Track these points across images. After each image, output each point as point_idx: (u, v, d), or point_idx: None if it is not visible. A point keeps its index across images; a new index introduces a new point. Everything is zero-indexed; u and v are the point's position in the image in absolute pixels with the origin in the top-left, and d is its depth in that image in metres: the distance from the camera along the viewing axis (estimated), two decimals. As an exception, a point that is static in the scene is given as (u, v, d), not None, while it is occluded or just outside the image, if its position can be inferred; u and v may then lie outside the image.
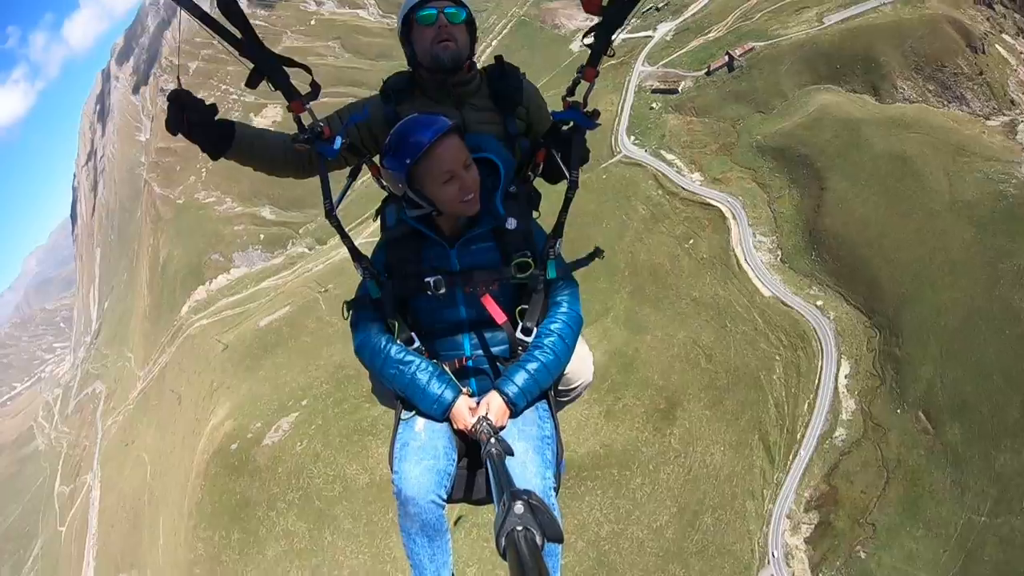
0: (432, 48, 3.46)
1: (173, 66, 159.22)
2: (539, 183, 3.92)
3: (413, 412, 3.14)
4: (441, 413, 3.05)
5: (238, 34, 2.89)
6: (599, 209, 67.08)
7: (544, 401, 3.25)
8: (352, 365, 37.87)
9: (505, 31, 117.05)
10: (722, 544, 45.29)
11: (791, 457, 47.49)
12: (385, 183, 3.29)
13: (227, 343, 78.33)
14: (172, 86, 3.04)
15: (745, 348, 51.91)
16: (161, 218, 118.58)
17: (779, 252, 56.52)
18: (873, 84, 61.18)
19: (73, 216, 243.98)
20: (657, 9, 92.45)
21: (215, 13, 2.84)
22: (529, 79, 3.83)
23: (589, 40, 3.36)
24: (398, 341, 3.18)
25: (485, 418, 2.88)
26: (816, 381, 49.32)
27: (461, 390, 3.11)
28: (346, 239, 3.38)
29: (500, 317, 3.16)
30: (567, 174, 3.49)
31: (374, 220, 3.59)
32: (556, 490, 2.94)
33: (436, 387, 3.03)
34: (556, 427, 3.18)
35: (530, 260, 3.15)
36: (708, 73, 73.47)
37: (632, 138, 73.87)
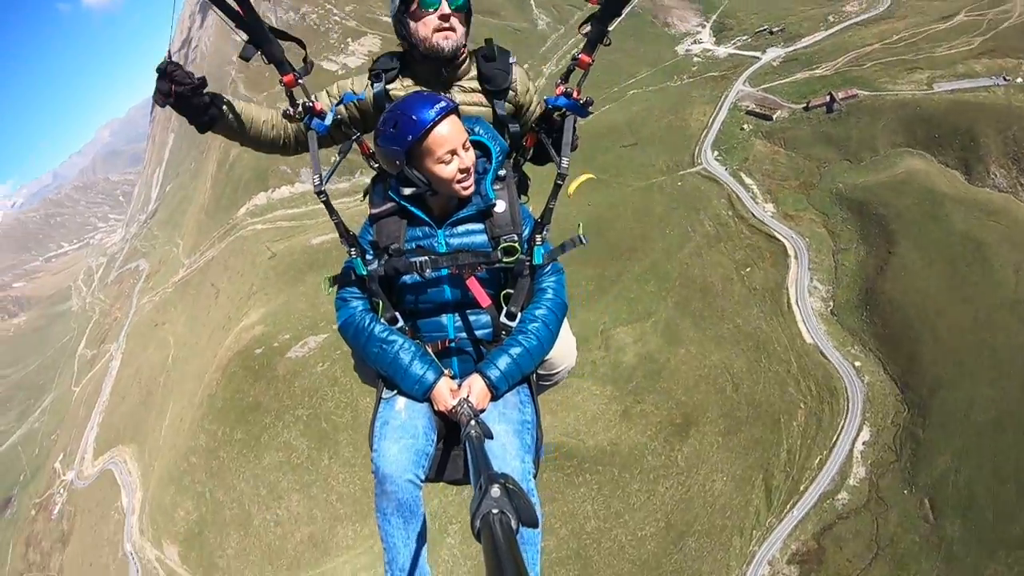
0: (433, 37, 3.45)
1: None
2: (529, 168, 4.02)
3: (395, 391, 3.17)
4: (422, 393, 3.07)
5: (236, 7, 2.94)
6: (667, 214, 66.69)
7: (526, 385, 3.30)
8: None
9: (620, 17, 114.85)
10: (698, 571, 45.42)
11: (789, 506, 47.15)
12: (378, 161, 3.31)
13: (275, 252, 79.23)
14: None
15: (773, 387, 51.49)
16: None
17: (831, 303, 55.70)
18: (967, 162, 59.15)
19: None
20: (771, 32, 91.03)
21: None
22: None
23: (586, 29, 3.42)
24: (382, 320, 3.22)
25: (466, 400, 2.91)
26: (834, 439, 48.81)
27: (443, 371, 3.14)
28: (334, 215, 3.33)
29: (484, 300, 3.21)
30: (556, 161, 3.47)
31: (363, 199, 3.55)
32: (535, 475, 2.99)
33: (418, 367, 3.06)
34: (537, 412, 3.24)
35: (517, 245, 3.18)
36: (806, 109, 72.05)
37: (716, 153, 72.99)
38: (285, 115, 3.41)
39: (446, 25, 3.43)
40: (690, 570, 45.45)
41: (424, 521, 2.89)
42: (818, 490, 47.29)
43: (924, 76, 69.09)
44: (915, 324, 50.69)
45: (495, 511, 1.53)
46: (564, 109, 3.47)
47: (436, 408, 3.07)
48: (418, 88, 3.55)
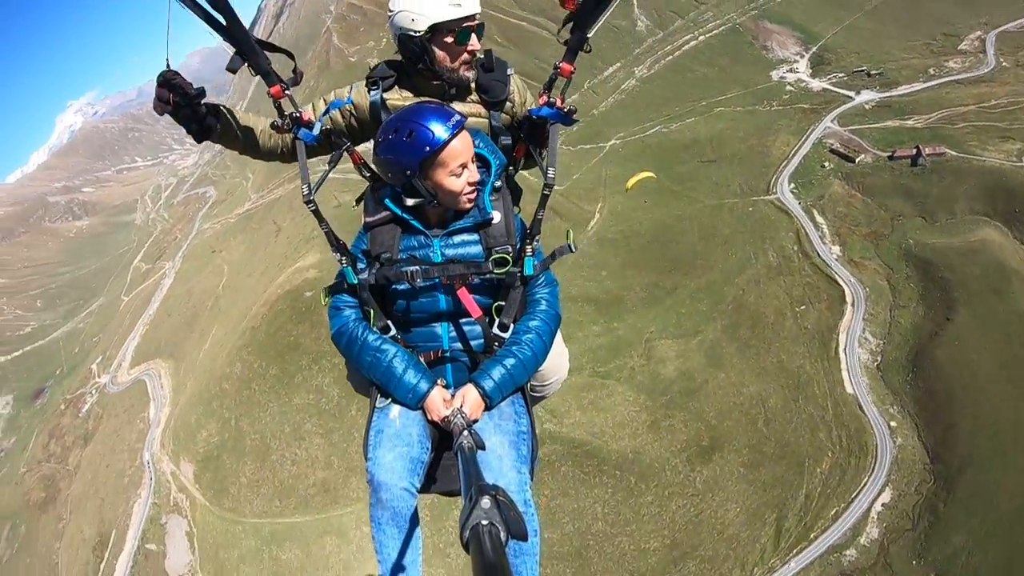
0: (460, 69, 3.51)
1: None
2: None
3: (389, 400, 3.17)
4: (415, 402, 3.08)
5: (223, 20, 2.94)
6: (732, 237, 66.20)
7: (520, 396, 3.30)
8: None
9: (716, 32, 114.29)
10: (694, 597, 45.29)
11: (796, 551, 46.37)
12: (371, 170, 3.31)
13: (342, 202, 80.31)
14: None
15: (804, 429, 50.73)
16: (328, 68, 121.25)
17: (879, 357, 54.47)
18: None
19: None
20: (868, 75, 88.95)
21: None
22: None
23: (566, 36, 3.40)
24: (375, 329, 3.22)
25: (460, 410, 2.91)
26: (854, 494, 47.79)
27: (436, 381, 3.14)
28: (323, 224, 3.31)
29: (475, 312, 3.23)
30: (543, 171, 3.40)
31: (355, 206, 3.54)
32: (530, 485, 2.97)
33: (412, 376, 3.07)
34: (532, 422, 3.23)
35: (509, 256, 3.19)
36: (891, 158, 70.32)
37: (792, 185, 72.01)
38: (273, 126, 3.43)
39: (471, 59, 3.54)
40: (686, 593, 45.38)
41: (419, 530, 2.94)
42: (828, 541, 46.37)
43: (1016, 147, 66.75)
44: (958, 396, 49.30)
45: (484, 522, 1.54)
46: (548, 119, 3.44)
47: (429, 418, 3.09)
48: (419, 100, 3.59)
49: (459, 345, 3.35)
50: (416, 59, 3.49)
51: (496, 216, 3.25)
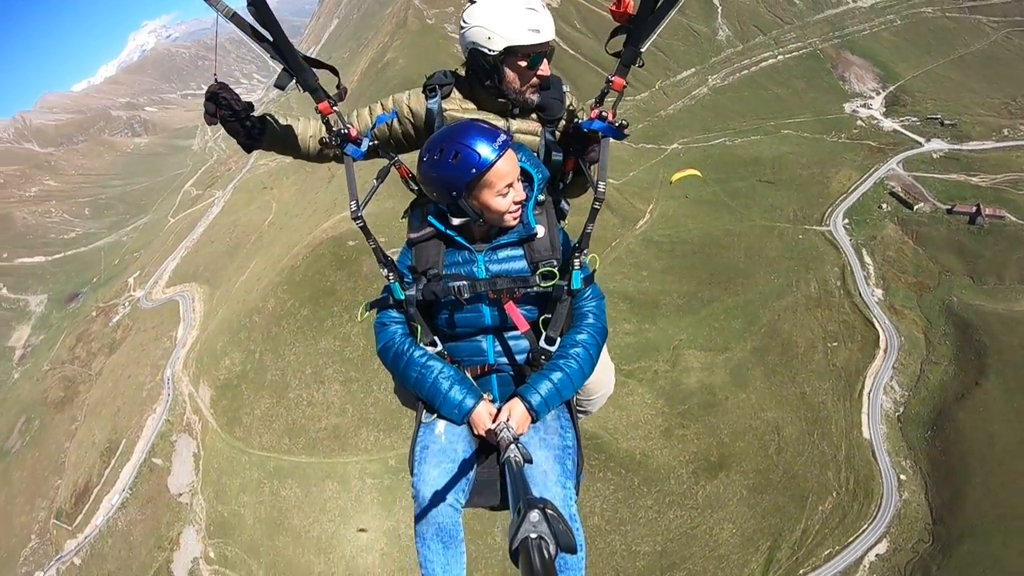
0: (526, 91, 3.55)
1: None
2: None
3: (434, 415, 3.17)
4: (461, 418, 3.08)
5: (270, 37, 3.05)
6: (777, 261, 65.88)
7: (566, 410, 3.30)
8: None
9: (796, 54, 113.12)
10: (674, 607, 45.48)
11: (780, 583, 46.67)
12: (423, 187, 3.19)
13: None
14: None
15: (814, 465, 50.44)
16: (405, 26, 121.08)
17: (902, 408, 53.87)
18: None
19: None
20: (942, 123, 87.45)
21: (246, 14, 3.00)
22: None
23: (615, 48, 3.40)
24: (421, 345, 3.22)
25: (506, 424, 2.86)
26: (851, 539, 47.41)
27: (482, 396, 3.14)
28: (371, 239, 3.30)
29: (523, 326, 3.22)
30: (593, 185, 3.37)
31: (403, 218, 3.57)
32: (575, 501, 2.97)
33: (458, 392, 3.06)
34: (577, 437, 3.23)
35: (555, 270, 3.17)
36: (950, 211, 69.25)
37: (846, 221, 71.24)
38: (321, 142, 3.48)
39: (539, 83, 3.57)
40: (666, 602, 45.57)
41: (463, 546, 2.90)
42: (814, 581, 46.50)
43: (1078, 221, 65.60)
44: (973, 463, 48.56)
45: (533, 536, 1.53)
46: (600, 133, 3.43)
47: (475, 432, 3.10)
48: (481, 114, 3.64)
49: (504, 359, 3.36)
50: (485, 76, 3.52)
51: (540, 231, 3.26)
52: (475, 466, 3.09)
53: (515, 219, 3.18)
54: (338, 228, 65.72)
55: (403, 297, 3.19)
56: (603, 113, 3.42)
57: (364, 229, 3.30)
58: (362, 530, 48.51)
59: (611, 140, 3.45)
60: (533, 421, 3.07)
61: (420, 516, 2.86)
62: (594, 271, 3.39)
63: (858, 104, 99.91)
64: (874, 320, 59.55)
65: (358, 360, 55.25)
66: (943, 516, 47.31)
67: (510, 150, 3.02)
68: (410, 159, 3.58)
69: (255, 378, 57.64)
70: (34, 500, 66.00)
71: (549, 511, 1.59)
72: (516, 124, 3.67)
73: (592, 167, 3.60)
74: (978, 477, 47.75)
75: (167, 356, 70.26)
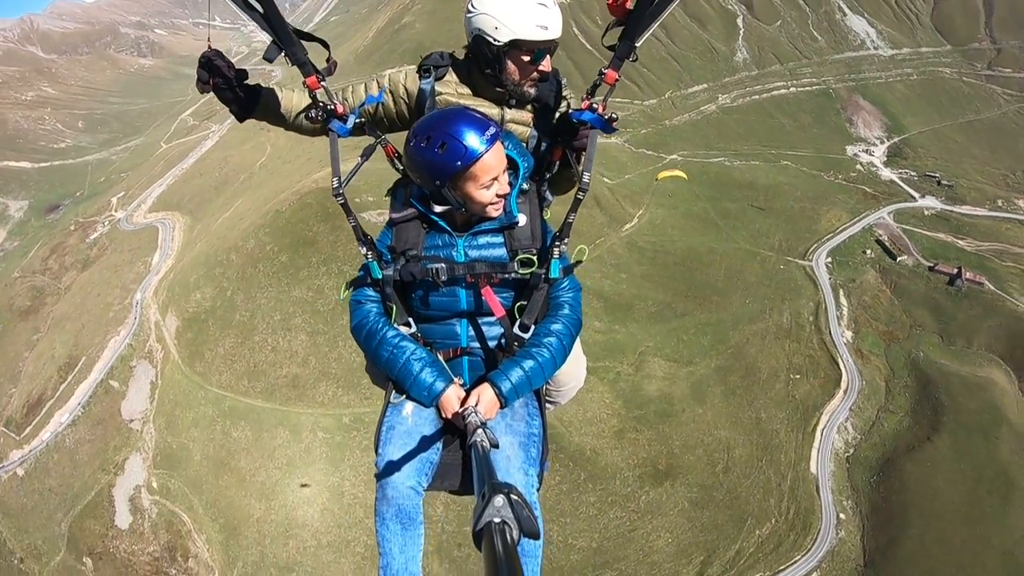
0: (525, 85, 3.52)
1: None
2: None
3: (403, 396, 3.20)
4: (430, 400, 3.10)
5: (260, 8, 3.00)
6: (755, 285, 66.88)
7: (535, 397, 3.32)
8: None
9: (808, 88, 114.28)
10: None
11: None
12: (407, 171, 3.20)
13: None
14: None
15: (757, 490, 51.20)
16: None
17: (852, 450, 54.79)
18: None
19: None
20: (939, 183, 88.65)
21: None
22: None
23: (610, 41, 3.39)
24: (395, 325, 3.24)
25: (474, 408, 2.89)
26: (782, 567, 47.93)
27: (453, 379, 3.16)
28: (352, 218, 3.30)
29: (499, 311, 3.24)
30: (579, 176, 3.37)
31: (386, 196, 3.54)
32: (538, 488, 3.06)
33: (428, 375, 3.08)
34: (544, 426, 3.26)
35: (534, 258, 3.19)
36: (931, 269, 70.37)
37: (828, 259, 72.26)
38: (307, 118, 3.44)
39: (539, 78, 3.56)
40: (589, 598, 46.06)
41: (422, 528, 2.94)
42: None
43: (1054, 304, 66.72)
44: (912, 515, 49.63)
45: (497, 520, 1.55)
46: (589, 124, 3.40)
47: (443, 415, 3.12)
48: (476, 100, 3.63)
49: (477, 344, 3.39)
50: (486, 64, 3.48)
51: (522, 219, 3.28)
52: (440, 450, 3.12)
53: (497, 211, 3.18)
54: (329, 180, 64.27)
55: (380, 276, 3.23)
56: (594, 105, 3.41)
57: (345, 207, 3.28)
58: (304, 485, 48.45)
59: (600, 133, 3.43)
60: (502, 407, 3.09)
61: (381, 497, 2.89)
62: (580, 262, 3.39)
63: (861, 149, 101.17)
64: (840, 360, 60.44)
65: (328, 314, 54.90)
66: (875, 560, 48.25)
67: (498, 143, 3.01)
68: (397, 138, 3.56)
69: (223, 316, 57.14)
70: (-15, 405, 65.21)
71: (513, 496, 1.63)
72: (510, 114, 3.66)
73: (580, 156, 3.60)
74: (915, 529, 48.81)
75: (139, 281, 69.41)
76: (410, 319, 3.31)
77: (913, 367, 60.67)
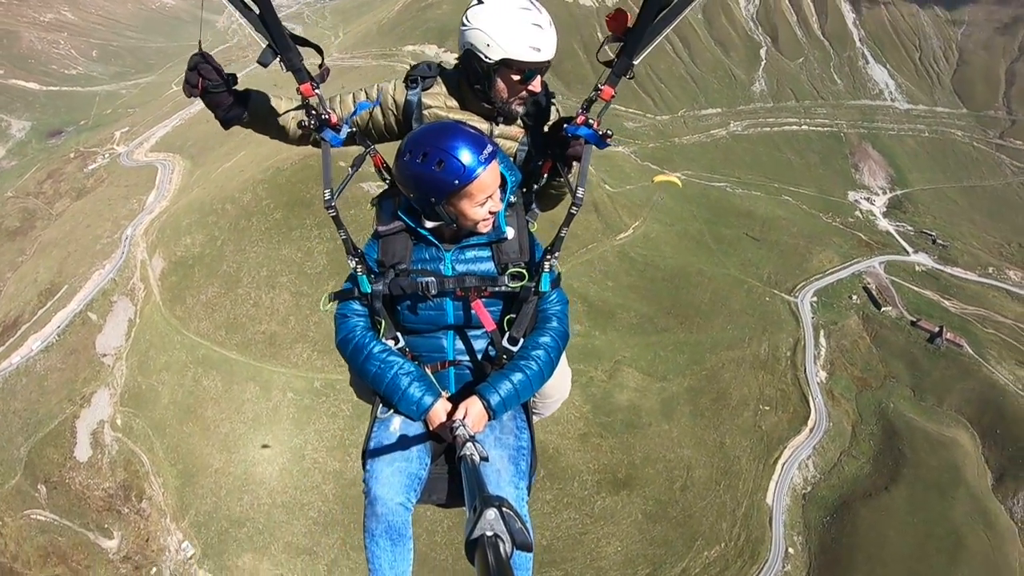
0: (513, 103, 3.52)
1: None
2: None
3: (390, 411, 3.18)
4: (419, 415, 3.06)
5: (256, 8, 2.91)
6: (738, 313, 67.48)
7: (523, 410, 3.33)
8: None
9: (820, 129, 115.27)
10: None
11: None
12: (398, 184, 3.12)
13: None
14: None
15: (711, 512, 51.62)
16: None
17: (809, 488, 55.49)
18: (1003, 473, 57.25)
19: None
20: (934, 241, 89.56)
21: None
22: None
23: (605, 56, 3.32)
24: (382, 339, 3.21)
25: (463, 422, 2.85)
26: (724, 591, 49.12)
27: (440, 394, 3.15)
28: (342, 231, 3.26)
29: (490, 325, 3.24)
30: (572, 190, 3.35)
31: (371, 207, 3.53)
32: (527, 501, 3.03)
33: (416, 390, 3.05)
34: (532, 439, 3.26)
35: (524, 271, 3.18)
36: (913, 324, 71.10)
37: (814, 299, 72.92)
38: (300, 125, 3.37)
39: (528, 97, 3.56)
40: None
41: (411, 543, 2.92)
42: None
43: (1027, 380, 67.48)
44: (859, 559, 50.35)
45: (489, 533, 1.54)
46: (584, 139, 3.39)
47: (431, 428, 3.09)
48: (464, 114, 3.63)
49: (465, 357, 3.39)
50: (476, 80, 3.46)
51: (510, 233, 3.26)
52: (428, 465, 3.12)
53: (488, 227, 3.16)
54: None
55: (370, 290, 3.18)
56: (589, 120, 3.37)
57: (336, 219, 3.23)
58: (265, 446, 48.47)
59: (593, 148, 3.43)
60: (490, 419, 3.07)
61: (371, 513, 2.87)
62: (560, 274, 3.37)
63: (862, 196, 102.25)
64: (810, 399, 61.07)
65: (314, 277, 54.93)
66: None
67: (495, 162, 2.97)
68: (386, 148, 3.54)
69: (210, 264, 56.93)
70: (-40, 320, 64.59)
71: (505, 509, 1.63)
72: (499, 129, 3.67)
73: (572, 170, 3.59)
74: (860, 573, 49.61)
75: (131, 217, 68.83)
76: (398, 333, 3.29)
77: (881, 416, 61.37)
